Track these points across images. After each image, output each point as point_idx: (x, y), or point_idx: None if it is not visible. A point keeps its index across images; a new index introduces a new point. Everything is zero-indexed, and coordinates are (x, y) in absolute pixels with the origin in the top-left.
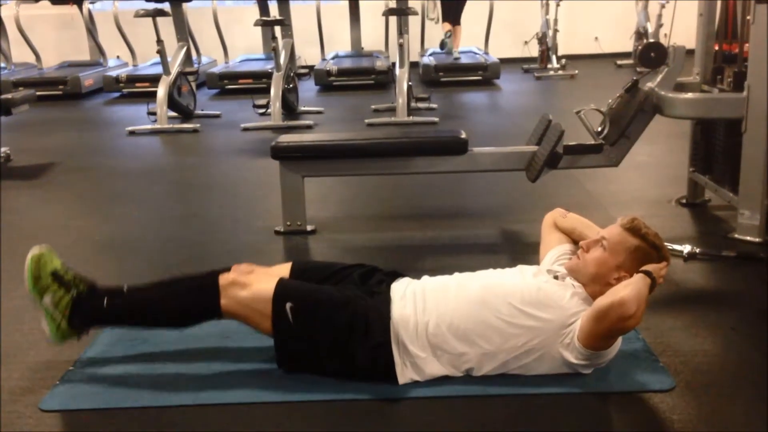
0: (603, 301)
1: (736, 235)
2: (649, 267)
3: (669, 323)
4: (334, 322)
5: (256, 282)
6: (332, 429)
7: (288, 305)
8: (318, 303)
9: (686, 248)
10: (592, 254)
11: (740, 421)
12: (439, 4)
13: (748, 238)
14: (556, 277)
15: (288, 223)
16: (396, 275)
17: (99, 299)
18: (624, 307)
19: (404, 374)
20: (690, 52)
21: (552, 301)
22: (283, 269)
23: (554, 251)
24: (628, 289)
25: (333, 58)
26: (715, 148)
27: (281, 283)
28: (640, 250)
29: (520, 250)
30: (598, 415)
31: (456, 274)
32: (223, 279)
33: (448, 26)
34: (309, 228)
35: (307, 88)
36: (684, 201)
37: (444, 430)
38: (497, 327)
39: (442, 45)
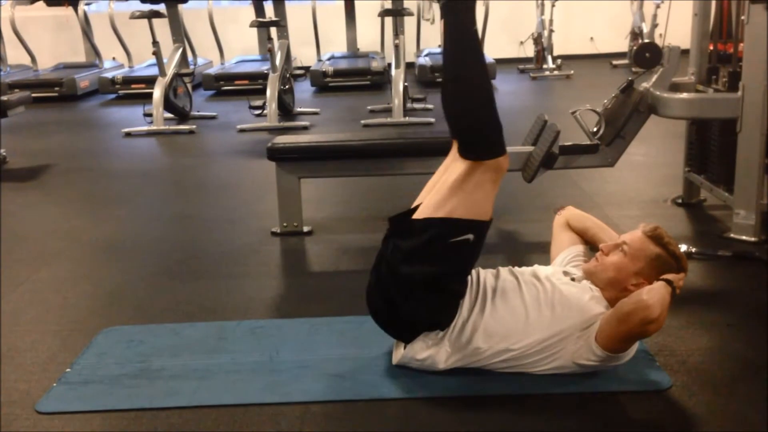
0: (627, 303)
1: (732, 235)
2: (669, 276)
3: (666, 323)
4: (453, 279)
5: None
6: (330, 429)
7: (470, 236)
8: (469, 262)
9: (682, 248)
10: (612, 258)
11: (737, 420)
12: (434, 5)
13: (744, 237)
14: (573, 280)
15: (284, 224)
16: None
17: None
18: (648, 311)
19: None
20: (685, 52)
21: (570, 302)
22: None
23: (567, 252)
24: (653, 293)
25: (329, 59)
26: (711, 148)
27: (489, 224)
28: (661, 259)
29: (517, 249)
30: (595, 415)
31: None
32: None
33: None
34: (305, 229)
35: (303, 89)
36: (679, 201)
37: (441, 430)
38: (515, 326)
39: None
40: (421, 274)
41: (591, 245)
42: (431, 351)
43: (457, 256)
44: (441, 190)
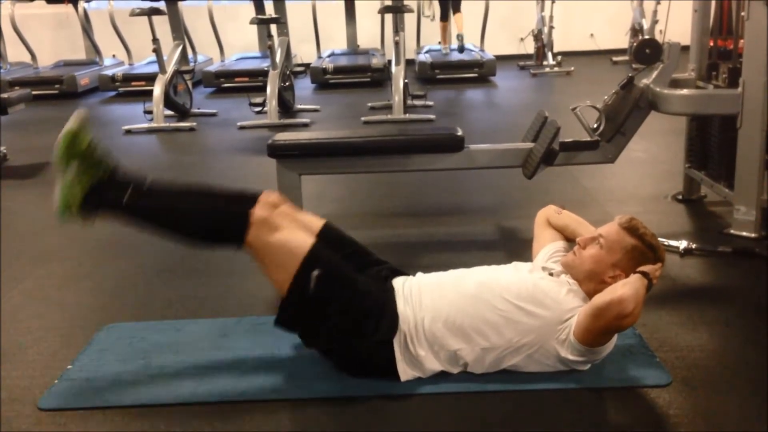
0: (601, 298)
1: (732, 231)
2: (645, 268)
3: (665, 319)
4: (352, 306)
5: (287, 229)
6: (331, 426)
7: (315, 272)
8: (344, 282)
9: (682, 244)
10: (589, 251)
11: (736, 416)
12: (435, 2)
13: (744, 233)
14: (551, 274)
15: None
16: (398, 272)
17: (120, 192)
18: (622, 305)
19: (406, 372)
20: (685, 49)
21: (547, 297)
22: (312, 222)
23: (547, 248)
24: (627, 288)
25: (329, 56)
26: (711, 144)
27: (317, 247)
28: (637, 250)
29: (517, 246)
30: (594, 411)
31: (451, 271)
32: (256, 215)
33: (459, 18)
34: None
35: (304, 86)
36: (680, 197)
37: (442, 427)
38: (493, 322)
39: (461, 49)
40: (335, 328)
41: (572, 241)
42: (424, 360)
43: (332, 290)
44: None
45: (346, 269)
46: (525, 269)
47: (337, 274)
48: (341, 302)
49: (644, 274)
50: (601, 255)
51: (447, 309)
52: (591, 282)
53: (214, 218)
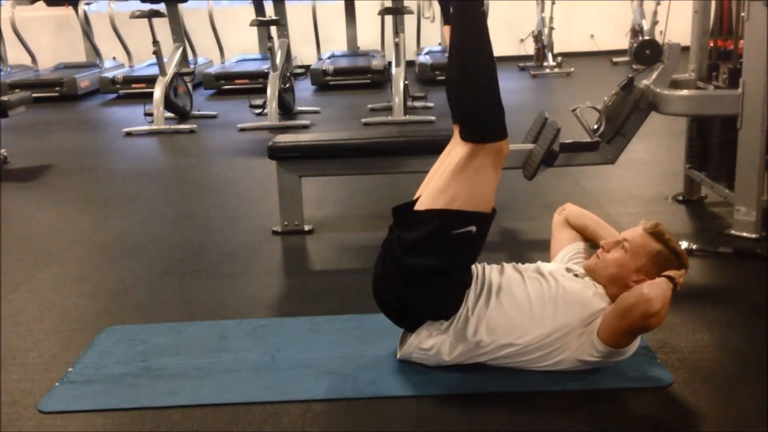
0: (628, 297)
1: (733, 232)
2: (670, 272)
3: (667, 319)
4: (456, 271)
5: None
6: (331, 427)
7: (473, 228)
8: (472, 251)
9: (683, 245)
10: (612, 255)
11: (738, 417)
12: (434, 3)
13: (745, 234)
14: (576, 276)
15: (285, 222)
16: None
17: None
18: (649, 304)
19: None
20: (685, 49)
21: (573, 298)
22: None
23: (567, 249)
24: (654, 287)
25: (329, 58)
26: (711, 144)
27: (493, 214)
28: (662, 256)
29: (518, 247)
30: (596, 412)
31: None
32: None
33: None
34: (306, 228)
35: (304, 88)
36: (680, 198)
37: (443, 427)
38: (517, 320)
39: None
40: (425, 266)
41: (591, 242)
42: (436, 340)
43: (460, 248)
44: (442, 176)
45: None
46: (549, 270)
47: (477, 246)
48: (455, 259)
49: (670, 278)
50: (625, 259)
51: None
52: (615, 286)
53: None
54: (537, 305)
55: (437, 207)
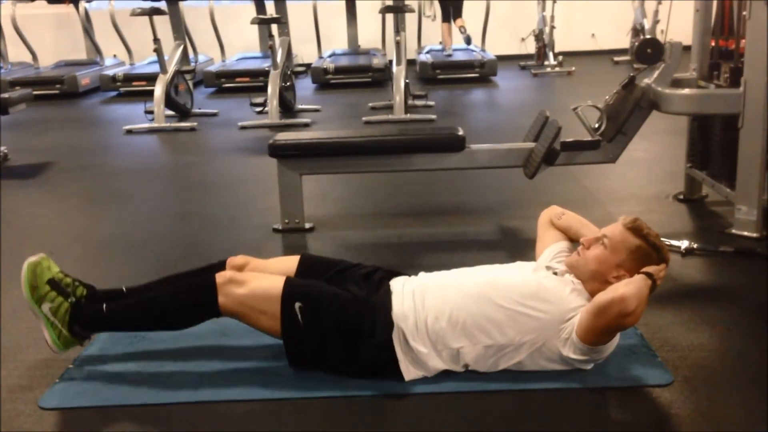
0: (604, 296)
1: (734, 231)
2: (649, 268)
3: (667, 318)
4: (342, 321)
5: (253, 279)
6: (333, 426)
7: (297, 305)
8: (325, 302)
9: (684, 244)
10: (593, 251)
11: (738, 416)
12: (436, 2)
13: (746, 233)
14: (555, 274)
15: (286, 220)
16: (395, 274)
17: (98, 304)
18: (624, 304)
19: (409, 370)
20: (686, 48)
21: (551, 295)
22: (281, 263)
23: (551, 248)
24: (630, 287)
25: (330, 56)
26: (712, 143)
27: (289, 282)
28: (641, 250)
29: (518, 246)
30: (596, 410)
31: (454, 270)
32: (220, 277)
33: (461, 22)
34: (307, 226)
35: (305, 86)
36: (681, 197)
37: (443, 427)
38: (495, 320)
39: (468, 40)
40: (338, 344)
41: (575, 242)
42: (426, 358)
43: (319, 314)
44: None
45: (326, 290)
46: (529, 268)
47: (317, 297)
48: (333, 320)
49: (648, 274)
50: (605, 255)
51: (450, 307)
52: (595, 282)
53: (186, 296)
54: (515, 303)
55: (282, 340)
